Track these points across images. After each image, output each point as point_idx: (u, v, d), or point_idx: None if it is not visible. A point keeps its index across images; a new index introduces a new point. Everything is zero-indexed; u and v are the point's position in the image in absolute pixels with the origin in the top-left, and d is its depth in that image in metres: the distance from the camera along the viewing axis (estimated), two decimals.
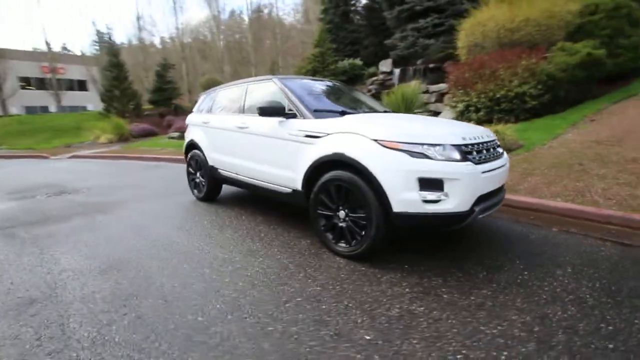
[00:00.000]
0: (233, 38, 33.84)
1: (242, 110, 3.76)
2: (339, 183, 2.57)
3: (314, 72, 16.11)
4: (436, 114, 10.99)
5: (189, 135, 4.72)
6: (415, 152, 2.27)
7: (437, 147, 2.29)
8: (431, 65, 15.33)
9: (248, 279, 2.37)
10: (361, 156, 2.40)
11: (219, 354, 1.64)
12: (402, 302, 2.03)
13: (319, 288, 2.22)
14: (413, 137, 2.35)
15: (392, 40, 17.02)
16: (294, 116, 3.05)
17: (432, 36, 14.98)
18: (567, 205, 3.39)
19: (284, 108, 3.06)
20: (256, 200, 4.46)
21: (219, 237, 3.22)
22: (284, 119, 3.09)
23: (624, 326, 1.73)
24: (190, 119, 4.86)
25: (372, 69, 16.86)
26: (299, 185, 2.95)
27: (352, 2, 21.35)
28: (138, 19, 30.86)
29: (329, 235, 2.75)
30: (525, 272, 2.34)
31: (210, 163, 4.25)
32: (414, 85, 9.27)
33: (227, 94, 4.25)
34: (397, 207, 2.28)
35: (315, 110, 3.03)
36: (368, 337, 1.72)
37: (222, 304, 2.06)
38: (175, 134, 14.62)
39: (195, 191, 4.72)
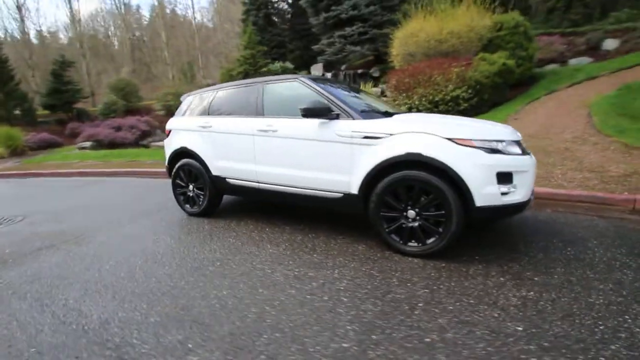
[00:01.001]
0: (135, 35, 30.28)
1: (260, 112, 3.44)
2: (411, 183, 2.58)
3: (246, 74, 15.56)
4: None
5: (176, 142, 4.08)
6: (489, 148, 2.44)
7: (504, 143, 2.50)
8: (360, 71, 16.33)
9: (348, 295, 2.18)
10: (441, 155, 2.45)
11: None
12: (510, 290, 2.15)
13: (426, 291, 2.19)
14: (483, 134, 2.51)
15: (320, 46, 17.54)
16: (336, 117, 2.93)
17: (358, 43, 15.89)
18: (551, 190, 4.03)
19: (329, 109, 2.92)
20: (256, 209, 4.11)
21: (264, 254, 2.88)
22: (327, 121, 2.95)
23: None
24: (176, 123, 4.21)
25: (302, 73, 17.05)
26: (354, 189, 2.85)
27: (274, 5, 21.26)
28: (19, 8, 25.03)
29: (395, 237, 2.73)
30: (569, 249, 2.70)
31: (215, 173, 3.77)
32: (367, 88, 9.68)
33: (232, 94, 3.82)
34: (479, 202, 2.41)
35: (362, 111, 2.97)
36: (521, 328, 1.78)
37: (357, 326, 1.86)
38: (87, 144, 12.39)
39: (188, 206, 4.12)
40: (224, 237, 3.34)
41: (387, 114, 3.07)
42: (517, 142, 2.63)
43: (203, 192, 3.94)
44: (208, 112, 3.91)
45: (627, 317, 1.82)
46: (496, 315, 1.90)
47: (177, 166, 4.09)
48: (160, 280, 2.50)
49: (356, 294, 2.19)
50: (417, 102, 8.92)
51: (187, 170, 4.03)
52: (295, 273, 2.51)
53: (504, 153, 2.46)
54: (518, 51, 9.62)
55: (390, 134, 2.67)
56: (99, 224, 4.03)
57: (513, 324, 1.81)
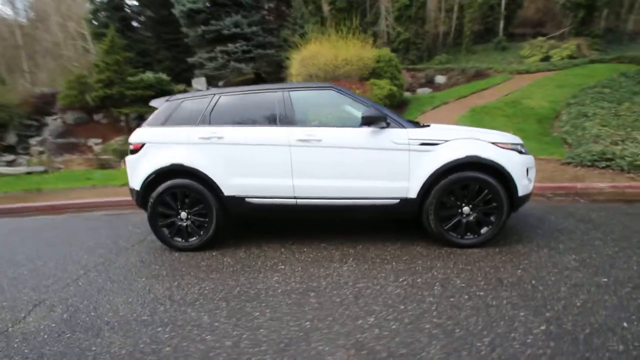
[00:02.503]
0: None
1: (291, 122, 3.11)
2: (468, 182, 2.95)
3: (110, 83, 12.93)
4: None
5: (161, 159, 3.15)
6: (517, 150, 3.09)
7: (521, 146, 3.21)
8: None
9: (486, 312, 2.14)
10: (493, 156, 2.92)
11: None
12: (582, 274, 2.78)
13: (549, 283, 2.56)
14: (510, 139, 3.14)
15: (197, 59, 16.47)
16: (387, 125, 3.04)
17: (242, 61, 15.79)
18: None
19: (386, 117, 3.00)
20: (256, 229, 3.64)
21: (346, 271, 2.63)
22: (379, 129, 3.02)
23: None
24: (157, 134, 3.25)
25: (179, 86, 15.52)
26: (412, 193, 3.00)
27: (131, 9, 18.55)
28: None
29: (453, 233, 3.03)
30: (581, 227, 3.58)
31: (229, 193, 3.13)
32: None
33: (243, 101, 3.28)
34: (520, 192, 3.00)
35: (407, 121, 3.18)
36: None
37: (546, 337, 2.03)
38: None
39: (179, 239, 3.24)
40: (273, 267, 2.85)
41: (419, 124, 3.38)
42: (523, 145, 3.40)
43: (206, 218, 3.21)
44: (209, 121, 3.24)
45: None
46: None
47: (159, 190, 3.18)
48: None
49: (472, 285, 2.36)
50: None
51: (179, 193, 3.19)
52: (417, 282, 2.46)
53: (524, 153, 3.15)
54: (394, 80, 11.73)
55: (446, 140, 2.99)
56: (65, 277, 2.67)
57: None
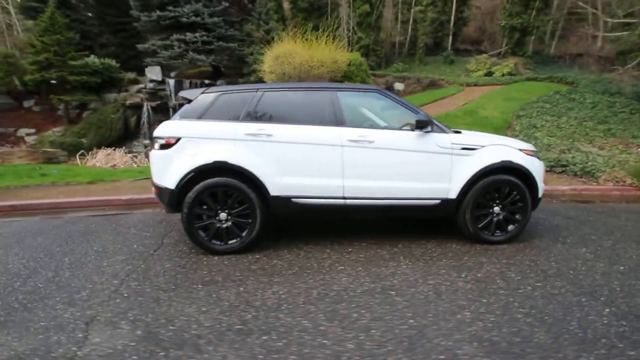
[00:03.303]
0: None
1: (341, 122, 3.10)
2: (500, 185, 3.25)
3: (49, 66, 11.28)
4: None
5: (202, 156, 2.89)
6: (536, 156, 3.49)
7: (536, 152, 3.62)
8: (207, 81, 15.29)
9: (555, 300, 2.46)
10: (522, 162, 3.26)
11: None
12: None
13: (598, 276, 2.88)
14: (531, 147, 3.53)
15: (150, 46, 15.17)
16: (431, 130, 3.21)
17: (202, 52, 14.96)
18: None
19: (433, 122, 3.16)
20: (302, 231, 3.55)
21: (418, 271, 2.72)
22: (424, 133, 3.18)
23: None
24: (196, 128, 2.98)
25: (129, 74, 14.16)
26: (453, 194, 3.21)
27: None
28: None
29: (486, 232, 3.32)
30: (571, 224, 4.15)
31: (275, 192, 3.01)
32: None
33: (290, 98, 3.16)
34: (539, 194, 3.40)
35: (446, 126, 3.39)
36: None
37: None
38: None
39: (217, 242, 3.02)
40: (332, 268, 2.82)
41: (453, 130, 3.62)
42: None
43: (248, 219, 3.04)
44: (254, 117, 3.07)
45: None
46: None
47: (197, 189, 2.93)
48: None
49: (526, 277, 2.64)
50: None
51: (220, 193, 2.98)
52: (478, 276, 2.63)
53: (539, 159, 3.57)
54: (360, 83, 12.14)
55: (482, 146, 3.26)
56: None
57: None
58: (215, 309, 2.16)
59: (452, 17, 18.79)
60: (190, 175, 2.93)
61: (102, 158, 7.97)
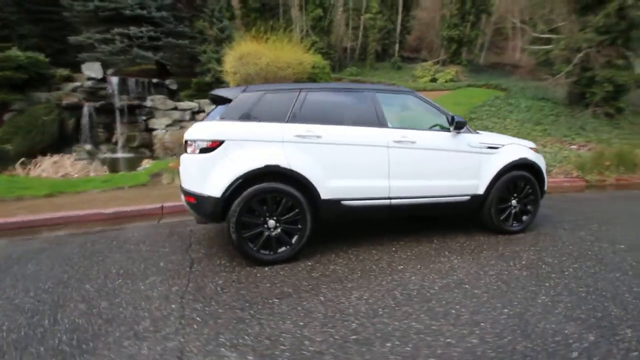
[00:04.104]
0: None
1: (383, 123, 3.13)
2: (517, 180, 3.59)
3: None
4: None
5: (252, 159, 2.67)
6: (538, 152, 3.92)
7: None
8: (155, 80, 14.12)
9: (599, 280, 2.76)
10: (534, 158, 3.64)
11: None
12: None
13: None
14: (535, 145, 3.95)
15: (86, 39, 13.52)
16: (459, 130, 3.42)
17: (149, 49, 13.81)
18: None
19: (467, 123, 3.36)
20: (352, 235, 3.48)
21: (461, 269, 2.85)
22: (456, 133, 3.37)
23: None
24: (241, 130, 2.72)
25: (62, 70, 12.44)
26: (481, 190, 3.46)
27: None
28: None
29: (507, 223, 3.63)
30: (557, 213, 4.67)
31: (326, 196, 2.91)
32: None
33: (332, 99, 3.08)
34: (546, 186, 3.83)
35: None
36: None
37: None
38: None
39: (266, 252, 2.82)
40: (391, 268, 2.82)
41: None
42: None
43: (297, 225, 2.90)
44: (300, 117, 2.94)
45: None
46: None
47: (246, 196, 2.71)
48: None
49: (560, 262, 2.96)
50: None
51: (269, 199, 2.79)
52: (524, 264, 2.86)
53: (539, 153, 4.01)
54: None
55: (503, 145, 3.56)
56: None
57: None
58: (313, 322, 2.03)
59: (399, 26, 20.00)
60: (239, 182, 2.70)
61: (49, 167, 6.84)
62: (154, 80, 13.85)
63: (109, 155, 11.84)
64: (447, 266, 2.83)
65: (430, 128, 3.47)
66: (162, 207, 4.70)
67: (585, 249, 3.21)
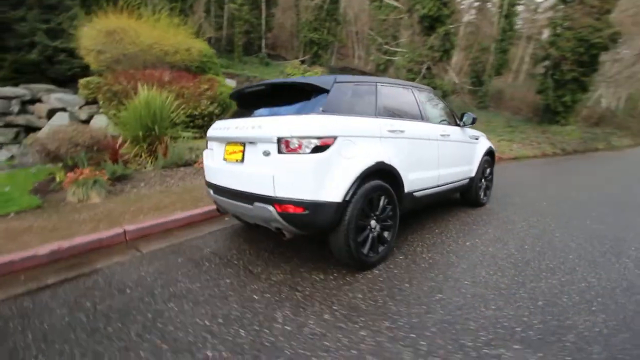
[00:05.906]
0: None
1: (425, 117, 3.43)
2: (486, 163, 4.62)
3: None
4: None
5: (364, 157, 2.44)
6: None
7: None
8: None
9: (576, 247, 3.95)
10: (493, 146, 4.76)
11: None
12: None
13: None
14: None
15: None
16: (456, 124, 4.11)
17: None
18: None
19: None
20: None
21: (496, 246, 3.49)
22: (462, 127, 4.05)
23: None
24: (349, 125, 2.37)
25: None
26: (473, 174, 4.30)
27: None
28: None
29: (482, 194, 4.62)
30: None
31: (407, 189, 2.96)
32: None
33: (395, 93, 3.09)
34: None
35: None
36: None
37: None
38: None
39: (372, 253, 2.64)
40: (444, 254, 3.15)
41: None
42: None
43: (389, 221, 2.85)
44: (381, 111, 2.83)
45: None
46: None
47: (361, 194, 2.47)
48: None
49: (544, 232, 4.09)
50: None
51: (376, 198, 2.63)
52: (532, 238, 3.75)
53: None
54: (220, 77, 11.31)
55: (480, 137, 4.50)
56: None
57: None
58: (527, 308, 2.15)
59: (263, 21, 20.08)
60: (357, 182, 2.43)
61: None
62: None
63: None
64: (483, 248, 3.37)
65: (440, 122, 3.99)
66: (124, 233, 3.44)
67: (549, 224, 4.48)
